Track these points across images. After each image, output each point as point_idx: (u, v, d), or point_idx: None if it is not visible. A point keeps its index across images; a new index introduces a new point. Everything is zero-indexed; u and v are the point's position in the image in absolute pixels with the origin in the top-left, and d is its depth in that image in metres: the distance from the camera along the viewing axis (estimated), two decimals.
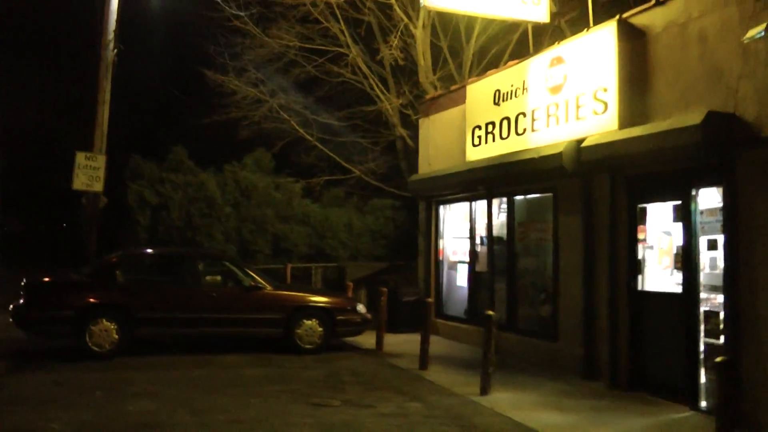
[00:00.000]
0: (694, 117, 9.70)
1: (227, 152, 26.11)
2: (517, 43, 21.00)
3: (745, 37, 9.23)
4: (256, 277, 14.94)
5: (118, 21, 18.94)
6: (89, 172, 18.05)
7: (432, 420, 9.59)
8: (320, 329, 14.73)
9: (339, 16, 22.40)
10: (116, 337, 13.50)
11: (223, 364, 13.33)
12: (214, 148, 26.29)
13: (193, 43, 25.18)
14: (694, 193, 10.49)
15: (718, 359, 7.23)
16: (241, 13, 22.81)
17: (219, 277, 15.18)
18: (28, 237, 58.82)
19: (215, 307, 14.27)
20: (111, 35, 18.82)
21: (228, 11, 22.65)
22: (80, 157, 18.03)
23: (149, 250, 16.69)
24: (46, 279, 14.26)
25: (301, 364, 13.58)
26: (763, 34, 8.98)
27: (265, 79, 24.03)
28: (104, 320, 13.49)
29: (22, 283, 13.70)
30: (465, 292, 17.02)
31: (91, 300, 13.62)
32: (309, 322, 14.68)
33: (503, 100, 14.58)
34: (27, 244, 53.62)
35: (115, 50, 18.89)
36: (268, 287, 14.78)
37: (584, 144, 11.71)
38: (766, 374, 9.14)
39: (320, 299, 15.10)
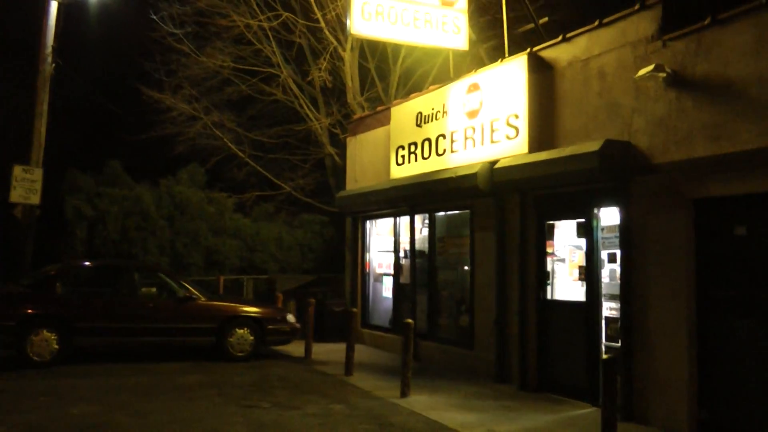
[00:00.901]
0: (593, 145, 10.76)
1: (163, 167, 26.60)
2: (440, 66, 22.01)
3: (636, 76, 10.33)
4: (190, 288, 15.60)
5: (56, 35, 19.15)
6: (26, 185, 18.29)
7: (353, 419, 10.41)
8: (251, 338, 15.47)
9: (271, 38, 23.21)
10: (56, 346, 14.04)
11: (160, 371, 13.96)
12: (150, 163, 26.72)
13: (130, 59, 25.68)
14: (595, 211, 11.59)
15: (604, 357, 8.21)
16: (177, 31, 23.48)
17: (154, 289, 15.73)
18: None
19: (151, 317, 14.92)
20: (49, 49, 19.01)
21: (165, 29, 23.28)
22: (17, 170, 18.21)
23: (87, 263, 17.14)
24: None
25: (233, 370, 14.29)
26: (652, 73, 10.08)
27: (200, 97, 24.70)
28: (45, 331, 14.01)
29: None
30: (390, 304, 17.88)
31: (32, 311, 14.13)
32: (240, 331, 15.41)
33: (425, 122, 15.53)
34: None
35: (53, 64, 19.11)
36: (202, 298, 15.47)
37: (497, 166, 12.71)
38: (655, 375, 10.24)
39: (251, 309, 15.83)
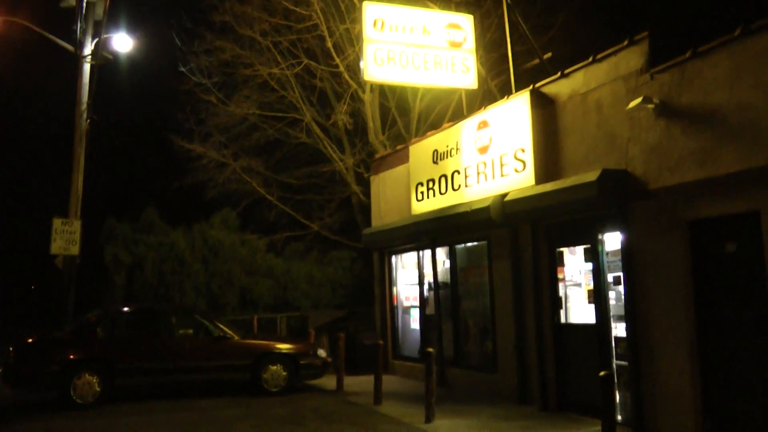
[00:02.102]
0: (591, 175, 11.41)
1: (197, 211, 27.69)
2: (458, 102, 22.69)
3: (627, 108, 11.00)
4: (224, 328, 16.36)
5: (90, 93, 20.10)
6: (66, 237, 19.20)
7: None
8: (284, 373, 16.15)
9: (294, 84, 24.14)
10: (98, 389, 14.77)
11: (198, 408, 14.66)
12: (184, 208, 27.79)
13: (162, 111, 26.83)
14: (600, 237, 12.22)
15: (601, 373, 8.80)
16: (205, 81, 24.52)
17: (191, 330, 16.48)
18: None
19: (188, 357, 15.66)
20: (84, 106, 19.99)
21: (193, 80, 24.32)
22: (57, 223, 19.15)
23: (126, 308, 17.88)
24: (32, 338, 15.54)
25: (267, 404, 14.96)
26: (641, 105, 10.74)
27: (229, 143, 25.69)
28: (87, 374, 14.75)
29: (11, 347, 14.97)
30: (418, 334, 18.52)
31: (74, 356, 14.91)
32: (274, 367, 16.11)
33: (441, 159, 16.24)
34: None
35: (89, 120, 20.06)
36: (236, 337, 16.21)
37: (507, 198, 13.38)
38: (661, 389, 10.79)
39: (283, 346, 16.54)
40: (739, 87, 9.61)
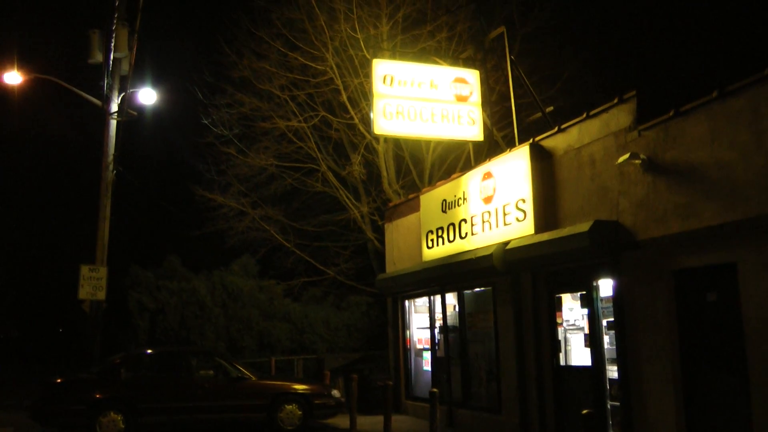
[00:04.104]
0: (584, 226, 12.17)
1: (217, 258, 28.65)
2: (469, 152, 23.49)
3: (616, 163, 11.78)
4: (242, 369, 17.11)
5: (116, 146, 21.01)
6: (93, 283, 19.99)
7: None
8: (299, 413, 16.83)
9: (310, 135, 25.09)
10: (123, 426, 15.59)
11: None
12: (205, 255, 28.75)
13: (184, 162, 27.85)
14: (595, 284, 12.94)
15: (584, 412, 9.47)
16: (225, 133, 25.51)
17: (211, 371, 17.17)
18: (24, 342, 60.70)
19: (208, 396, 16.41)
20: (110, 158, 20.84)
21: (215, 131, 25.33)
22: (84, 270, 19.98)
23: (148, 351, 18.69)
24: (60, 379, 16.40)
25: None
26: (628, 160, 11.52)
27: (248, 192, 26.59)
28: (112, 412, 15.59)
29: (41, 383, 15.80)
30: (430, 376, 19.15)
31: (99, 395, 15.75)
32: (289, 406, 16.79)
33: (449, 208, 17.01)
34: (23, 349, 55.48)
35: (114, 171, 20.92)
36: (253, 378, 16.94)
37: (508, 247, 14.14)
38: (651, 428, 11.44)
39: (298, 386, 17.25)
40: (718, 145, 10.38)
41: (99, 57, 20.61)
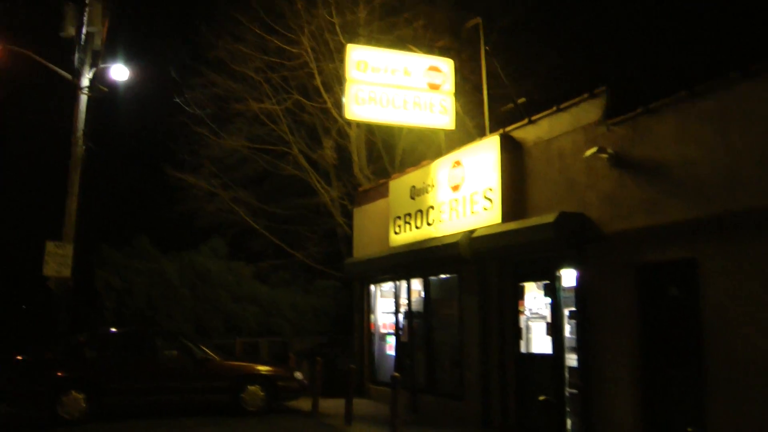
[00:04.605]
0: (550, 216, 12.30)
1: (186, 239, 28.54)
2: (441, 139, 23.59)
3: (583, 156, 11.92)
4: (207, 350, 17.13)
5: (86, 121, 20.78)
6: (58, 259, 19.71)
7: None
8: (262, 394, 16.86)
9: (283, 118, 25.07)
10: (84, 405, 15.48)
11: (181, 426, 15.41)
12: (174, 236, 28.62)
13: (156, 141, 27.70)
14: (558, 274, 13.09)
15: (541, 398, 9.62)
16: (198, 112, 25.42)
17: (175, 351, 17.11)
18: None
19: (172, 377, 16.43)
20: (80, 133, 20.65)
21: (188, 110, 25.24)
22: (50, 246, 19.63)
23: (113, 330, 18.67)
24: (22, 357, 16.30)
25: (245, 423, 15.74)
26: (596, 154, 11.65)
27: (221, 174, 26.56)
28: (74, 391, 15.47)
29: (1, 361, 15.71)
30: (393, 361, 19.30)
31: (62, 374, 15.67)
32: (252, 387, 16.81)
33: (418, 195, 17.11)
34: None
35: (84, 147, 20.69)
36: (217, 359, 16.98)
37: (474, 235, 14.26)
38: (608, 416, 11.63)
39: (262, 368, 17.30)
40: (684, 144, 10.54)
41: (72, 30, 20.43)
